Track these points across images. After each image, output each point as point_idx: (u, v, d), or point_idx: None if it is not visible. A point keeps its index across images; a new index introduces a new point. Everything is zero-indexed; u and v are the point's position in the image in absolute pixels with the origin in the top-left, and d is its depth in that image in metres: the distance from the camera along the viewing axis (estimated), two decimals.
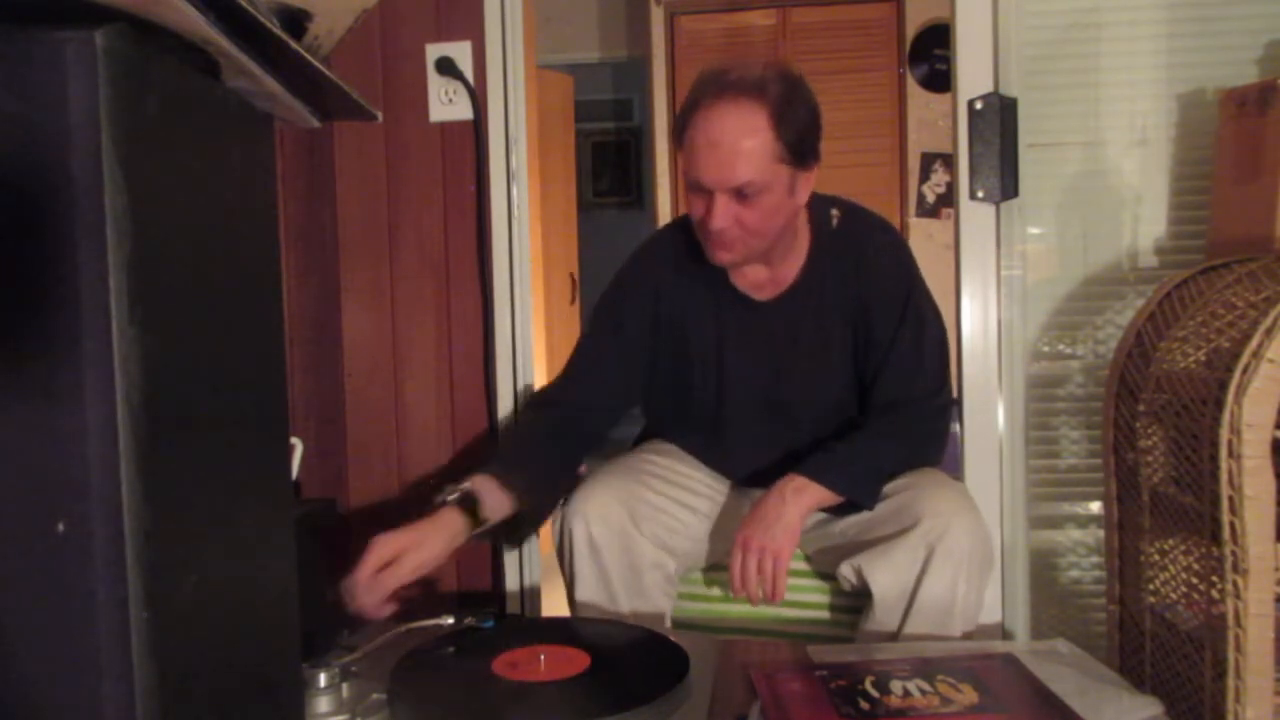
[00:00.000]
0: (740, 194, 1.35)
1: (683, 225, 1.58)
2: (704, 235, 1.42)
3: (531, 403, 1.59)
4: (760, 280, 1.51)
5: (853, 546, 1.43)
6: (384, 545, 1.24)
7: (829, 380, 1.52)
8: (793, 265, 1.51)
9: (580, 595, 1.44)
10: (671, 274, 1.55)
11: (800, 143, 1.37)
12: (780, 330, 1.51)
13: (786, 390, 1.53)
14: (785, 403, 1.53)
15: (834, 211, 1.54)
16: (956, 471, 1.71)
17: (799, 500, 1.37)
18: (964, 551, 1.33)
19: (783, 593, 1.35)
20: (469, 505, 1.34)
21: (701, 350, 1.54)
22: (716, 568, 1.60)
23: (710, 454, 1.62)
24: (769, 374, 1.53)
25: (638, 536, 1.43)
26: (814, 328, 1.50)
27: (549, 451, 1.50)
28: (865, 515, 1.44)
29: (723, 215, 1.36)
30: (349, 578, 1.23)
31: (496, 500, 1.37)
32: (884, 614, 1.37)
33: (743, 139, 1.33)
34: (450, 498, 1.34)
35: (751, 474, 1.58)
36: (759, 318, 1.52)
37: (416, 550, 1.25)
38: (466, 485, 1.35)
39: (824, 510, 1.47)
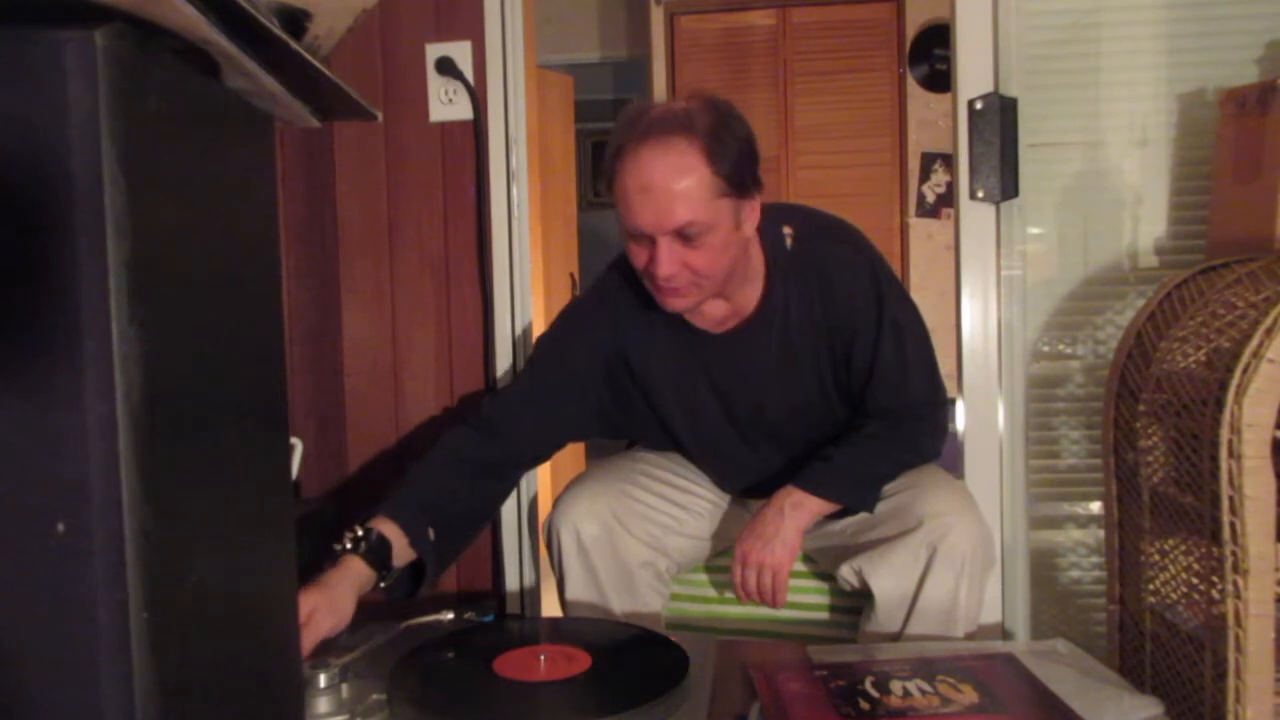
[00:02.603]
0: (683, 236, 1.27)
1: (623, 273, 1.50)
2: (651, 284, 1.34)
3: (465, 426, 1.47)
4: (719, 315, 1.44)
5: (853, 546, 1.43)
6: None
7: (807, 402, 1.47)
8: (751, 294, 1.42)
9: (570, 596, 1.44)
10: (627, 314, 1.47)
11: (738, 173, 1.29)
12: (747, 361, 1.45)
13: (765, 417, 1.48)
14: (766, 429, 1.49)
15: (787, 230, 1.44)
16: (957, 471, 1.71)
17: (797, 515, 1.36)
18: (966, 553, 1.33)
19: (783, 603, 1.36)
20: (377, 553, 1.24)
21: (670, 391, 1.48)
22: (717, 568, 1.61)
23: (703, 474, 1.61)
24: (744, 405, 1.48)
25: (626, 536, 1.43)
26: (782, 354, 1.44)
27: (464, 495, 1.40)
28: (861, 516, 1.44)
29: (668, 261, 1.28)
30: None
31: (402, 547, 1.27)
32: (885, 616, 1.37)
33: (677, 179, 1.25)
34: (352, 547, 1.23)
35: (747, 489, 1.58)
36: (723, 352, 1.45)
37: (330, 613, 1.15)
38: (372, 531, 1.25)
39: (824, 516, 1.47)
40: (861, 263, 1.44)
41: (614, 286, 1.50)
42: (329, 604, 1.15)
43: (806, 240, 1.44)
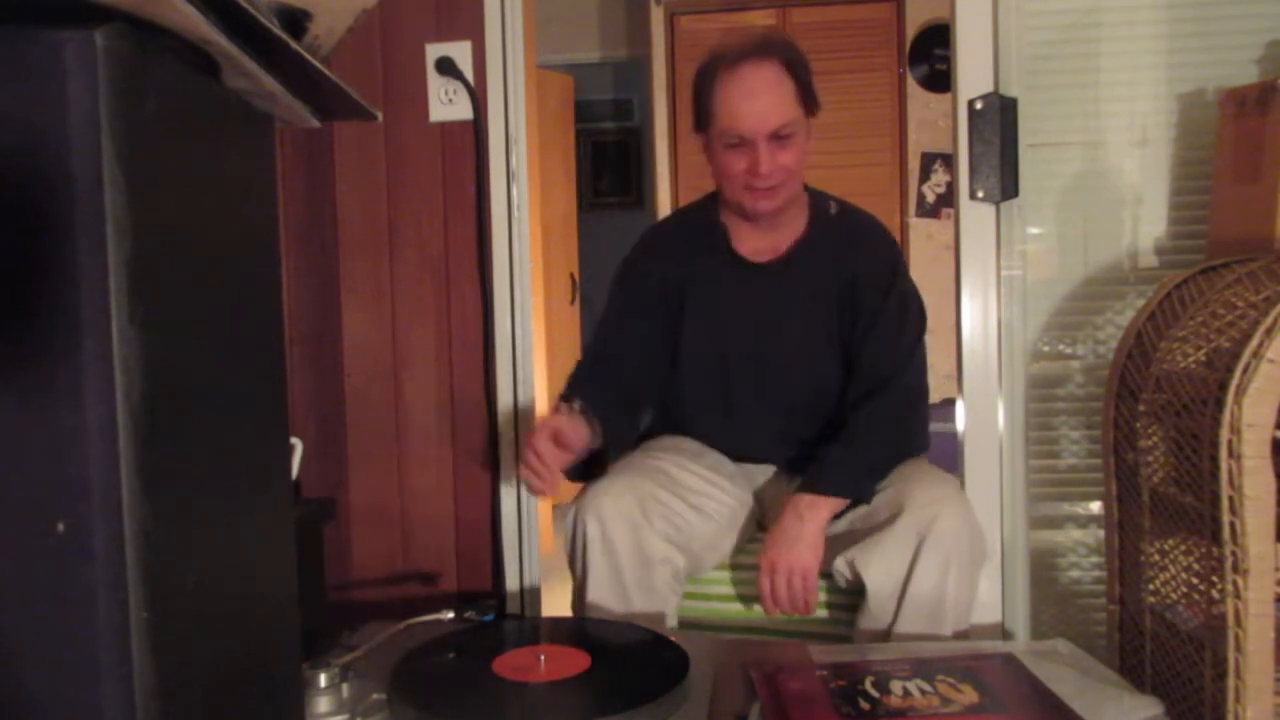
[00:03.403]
0: (778, 137, 1.50)
1: (684, 211, 1.78)
2: (745, 189, 1.54)
3: (581, 372, 1.68)
4: (761, 246, 1.63)
5: (845, 539, 1.46)
6: (553, 419, 1.41)
7: (818, 346, 1.60)
8: (790, 234, 1.62)
9: (592, 591, 1.44)
10: (678, 245, 1.68)
11: (808, 88, 1.54)
12: (773, 293, 1.61)
13: (780, 350, 1.61)
14: (780, 364, 1.61)
15: (832, 203, 1.67)
16: (956, 471, 1.71)
17: (815, 515, 1.43)
18: (953, 539, 1.36)
19: (814, 606, 1.43)
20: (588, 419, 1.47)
21: (702, 308, 1.63)
22: (737, 565, 1.61)
23: (712, 421, 1.65)
24: (764, 333, 1.61)
25: (649, 531, 1.44)
26: (804, 295, 1.61)
27: (619, 407, 1.59)
28: (860, 509, 1.48)
29: (769, 159, 1.50)
30: (530, 450, 1.38)
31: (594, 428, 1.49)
32: (878, 608, 1.39)
33: (774, 87, 1.50)
34: (577, 407, 1.47)
35: (752, 442, 1.65)
36: (755, 279, 1.62)
37: (582, 428, 1.43)
38: (579, 404, 1.48)
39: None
40: (888, 249, 1.67)
41: (667, 225, 1.80)
42: (575, 425, 1.42)
43: (847, 214, 1.68)
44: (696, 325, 1.64)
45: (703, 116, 1.56)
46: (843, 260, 1.61)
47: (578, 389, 1.55)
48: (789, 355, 1.61)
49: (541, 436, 1.39)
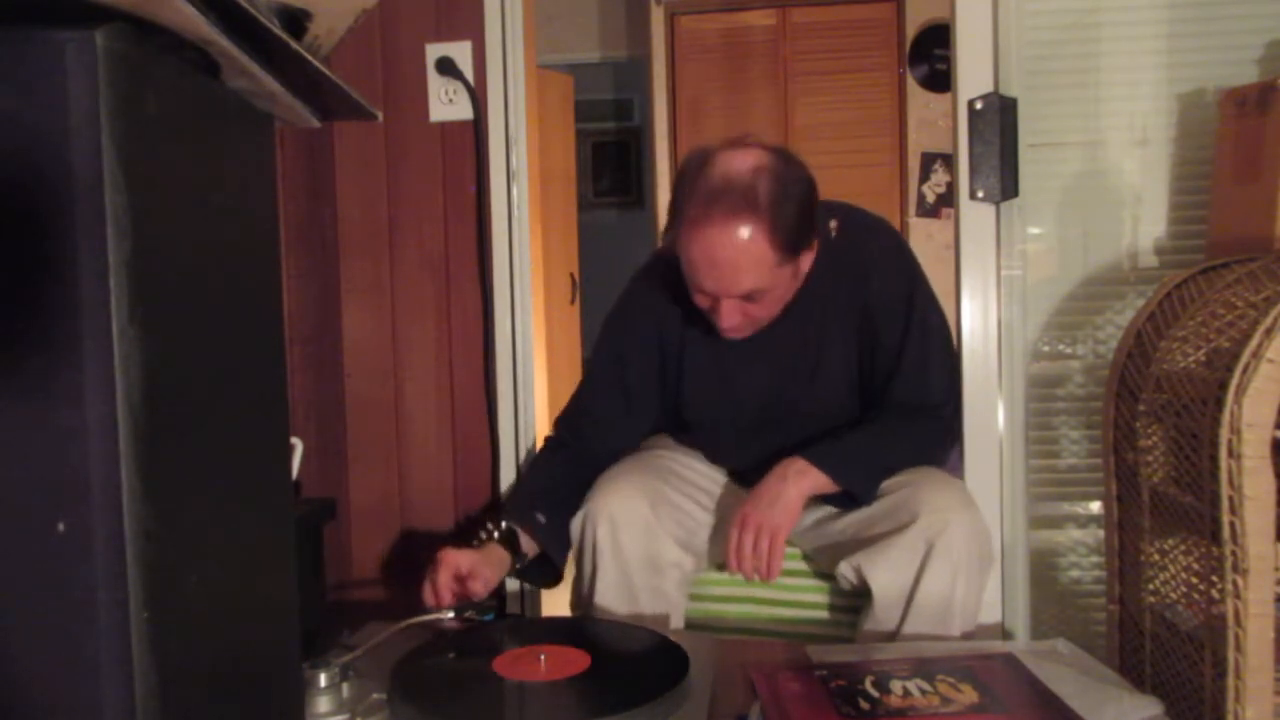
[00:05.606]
0: (747, 298, 1.36)
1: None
2: (712, 318, 1.43)
3: (548, 444, 1.64)
4: None
5: (852, 544, 1.44)
6: (457, 559, 1.35)
7: (830, 391, 1.52)
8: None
9: (599, 595, 1.43)
10: (668, 299, 1.54)
11: (796, 238, 1.35)
12: (779, 347, 1.50)
13: (787, 404, 1.52)
14: (785, 416, 1.53)
15: (832, 222, 1.51)
16: (957, 471, 1.71)
17: (799, 482, 1.38)
18: (962, 549, 1.33)
19: (778, 570, 1.36)
20: (508, 540, 1.45)
21: (701, 371, 1.54)
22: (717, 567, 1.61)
23: (714, 462, 1.63)
24: (769, 390, 1.52)
25: (661, 535, 1.43)
26: (815, 341, 1.50)
27: (569, 496, 1.49)
28: (864, 512, 1.44)
29: (730, 316, 1.38)
30: (430, 582, 1.35)
31: (528, 541, 1.47)
32: (883, 613, 1.37)
33: (741, 255, 1.31)
34: (485, 536, 1.45)
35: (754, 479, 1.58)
36: (757, 337, 1.49)
37: (488, 566, 1.37)
38: (503, 525, 1.46)
39: (823, 503, 1.47)
40: (899, 263, 1.53)
41: (656, 274, 1.57)
42: (487, 561, 1.38)
43: (851, 233, 1.52)
44: (697, 387, 1.56)
45: (672, 225, 1.38)
46: (855, 294, 1.49)
47: (524, 512, 1.48)
48: (804, 407, 1.52)
49: (443, 575, 1.34)
